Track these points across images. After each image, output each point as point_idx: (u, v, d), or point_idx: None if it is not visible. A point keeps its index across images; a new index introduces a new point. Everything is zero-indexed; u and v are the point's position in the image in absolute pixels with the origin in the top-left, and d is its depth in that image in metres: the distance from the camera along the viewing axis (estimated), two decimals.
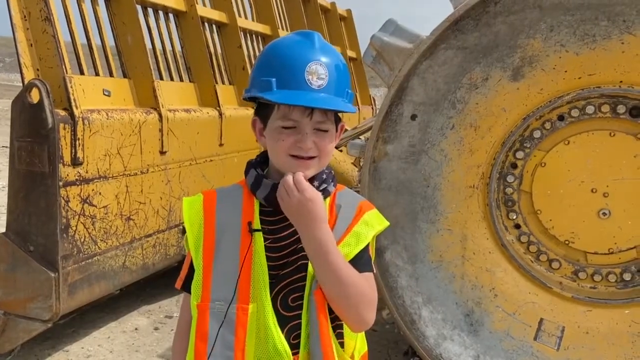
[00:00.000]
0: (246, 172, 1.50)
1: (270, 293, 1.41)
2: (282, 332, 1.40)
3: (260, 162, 1.51)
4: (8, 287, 3.13)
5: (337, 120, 1.48)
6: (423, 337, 2.75)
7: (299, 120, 1.39)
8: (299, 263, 1.44)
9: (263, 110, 1.46)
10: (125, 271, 3.60)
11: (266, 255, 1.43)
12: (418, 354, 2.81)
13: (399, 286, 2.76)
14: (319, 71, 1.38)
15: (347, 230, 1.46)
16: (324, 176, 1.48)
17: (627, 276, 2.74)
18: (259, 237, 1.43)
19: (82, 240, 3.23)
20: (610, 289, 2.76)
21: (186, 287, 1.50)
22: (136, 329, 3.99)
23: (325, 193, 1.47)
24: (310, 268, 1.42)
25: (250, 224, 1.43)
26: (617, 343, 2.67)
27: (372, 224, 1.49)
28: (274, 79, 1.38)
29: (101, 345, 3.71)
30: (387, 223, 1.53)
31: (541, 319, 2.73)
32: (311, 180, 1.45)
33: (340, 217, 1.47)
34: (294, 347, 1.41)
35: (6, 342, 3.21)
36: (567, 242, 2.75)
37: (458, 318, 2.75)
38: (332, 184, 1.50)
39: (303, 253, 1.43)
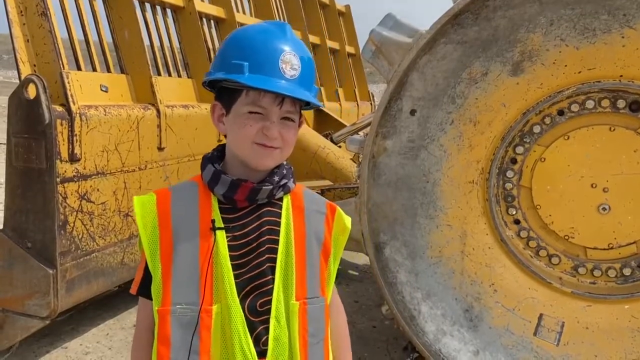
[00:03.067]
0: (202, 167, 1.43)
1: (238, 295, 1.36)
2: (251, 337, 1.36)
3: (217, 157, 1.45)
4: (6, 284, 3.11)
5: (300, 115, 1.46)
6: (422, 333, 2.74)
7: (268, 108, 1.35)
8: (264, 266, 1.39)
9: (226, 95, 1.40)
10: (124, 268, 3.59)
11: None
12: (417, 350, 2.81)
13: (399, 282, 2.76)
14: (292, 61, 1.35)
15: (324, 250, 1.47)
16: (284, 171, 1.45)
17: (626, 271, 2.73)
18: (221, 235, 1.36)
19: (80, 236, 3.22)
20: (610, 284, 2.76)
21: (142, 292, 1.43)
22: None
23: (285, 189, 1.44)
24: (278, 273, 1.39)
25: (213, 222, 1.37)
26: (617, 338, 2.67)
27: (343, 236, 1.51)
28: (246, 63, 1.32)
29: (100, 342, 3.70)
30: (349, 228, 1.53)
31: (541, 315, 2.72)
32: (271, 174, 1.42)
33: (310, 224, 1.46)
34: (262, 354, 1.37)
35: (4, 339, 3.20)
36: (566, 238, 2.75)
37: (457, 314, 2.75)
38: (292, 180, 1.47)
39: (267, 255, 1.39)
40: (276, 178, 1.42)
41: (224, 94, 1.42)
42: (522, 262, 2.76)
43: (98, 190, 3.31)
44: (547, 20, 2.53)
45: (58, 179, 3.01)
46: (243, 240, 1.39)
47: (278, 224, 1.42)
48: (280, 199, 1.45)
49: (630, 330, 2.67)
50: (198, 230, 1.37)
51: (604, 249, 2.74)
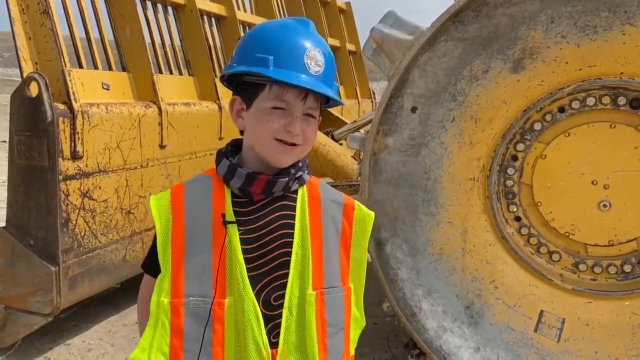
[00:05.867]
0: (217, 161, 1.44)
1: (252, 289, 1.36)
2: (265, 329, 1.36)
3: (232, 151, 1.46)
4: (8, 281, 3.13)
5: (320, 112, 1.46)
6: (423, 330, 2.75)
7: (292, 102, 1.36)
8: (279, 260, 1.39)
9: (247, 90, 1.40)
10: (126, 265, 3.60)
11: (241, 247, 1.38)
12: (418, 346, 2.82)
13: (400, 279, 2.77)
14: (317, 57, 1.36)
15: (343, 241, 1.47)
16: (300, 164, 1.45)
17: (627, 268, 2.74)
18: (233, 229, 1.37)
19: (82, 234, 3.23)
20: (610, 280, 2.76)
21: (146, 268, 1.51)
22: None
23: (300, 181, 1.45)
24: (293, 265, 1.38)
25: (224, 216, 1.37)
26: (617, 335, 2.67)
27: (365, 229, 1.51)
28: (271, 57, 1.32)
29: (102, 338, 3.72)
30: (372, 215, 1.52)
31: (541, 311, 2.73)
32: (288, 167, 1.42)
33: (326, 213, 1.45)
34: (274, 346, 1.37)
35: (7, 336, 3.22)
36: (567, 234, 2.75)
37: (458, 310, 2.75)
38: (307, 172, 1.47)
39: (282, 250, 1.39)
40: (292, 170, 1.42)
41: (244, 88, 1.42)
42: (523, 259, 2.77)
43: (100, 187, 3.32)
44: (548, 17, 2.53)
45: (60, 177, 3.02)
46: (257, 234, 1.39)
47: (293, 217, 1.42)
48: (296, 192, 1.45)
49: (631, 327, 2.67)
50: (211, 223, 1.38)
51: (605, 246, 2.74)
